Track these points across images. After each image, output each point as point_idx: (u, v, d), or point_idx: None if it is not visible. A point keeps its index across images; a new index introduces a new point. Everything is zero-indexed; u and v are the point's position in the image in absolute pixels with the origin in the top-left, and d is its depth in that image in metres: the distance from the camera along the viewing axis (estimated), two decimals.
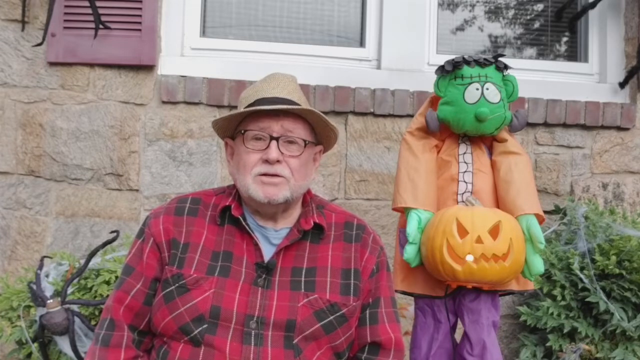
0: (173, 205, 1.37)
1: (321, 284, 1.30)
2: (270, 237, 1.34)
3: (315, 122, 1.36)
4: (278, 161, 1.28)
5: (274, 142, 1.28)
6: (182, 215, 1.34)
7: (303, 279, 1.30)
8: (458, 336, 1.87)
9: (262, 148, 1.29)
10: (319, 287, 1.29)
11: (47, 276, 1.93)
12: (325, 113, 2.51)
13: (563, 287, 2.17)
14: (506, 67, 1.83)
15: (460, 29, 2.87)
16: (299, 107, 1.31)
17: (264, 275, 1.28)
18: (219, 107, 2.47)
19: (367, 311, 1.36)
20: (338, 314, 1.29)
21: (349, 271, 1.34)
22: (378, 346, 1.35)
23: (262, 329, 1.23)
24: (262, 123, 1.30)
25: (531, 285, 1.84)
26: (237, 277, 1.27)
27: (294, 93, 1.37)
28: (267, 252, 1.31)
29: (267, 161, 1.28)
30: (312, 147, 1.37)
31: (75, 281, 1.91)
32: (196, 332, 1.22)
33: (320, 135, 1.41)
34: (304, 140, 1.32)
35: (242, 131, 1.32)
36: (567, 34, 2.91)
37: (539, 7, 2.94)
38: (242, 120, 1.35)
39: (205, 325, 1.22)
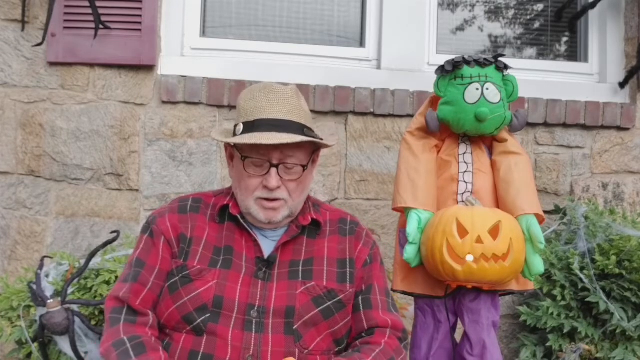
0: (176, 205, 1.43)
1: (318, 273, 1.35)
2: (268, 234, 1.40)
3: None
4: (277, 187, 1.32)
5: (273, 170, 1.32)
6: (186, 213, 1.40)
7: (300, 268, 1.35)
8: (458, 336, 1.87)
9: (262, 174, 1.33)
10: (316, 276, 1.35)
11: (47, 276, 1.92)
12: (325, 113, 2.52)
13: (563, 287, 2.17)
14: (506, 67, 1.83)
15: (460, 29, 2.87)
16: (296, 140, 1.28)
17: (264, 269, 1.33)
18: (219, 107, 2.47)
19: (360, 297, 1.40)
20: (335, 299, 1.34)
21: (344, 260, 1.39)
22: (374, 328, 1.38)
23: (263, 317, 1.27)
24: (261, 149, 1.31)
25: (531, 285, 1.84)
26: (238, 270, 1.32)
27: (294, 112, 1.34)
28: (266, 248, 1.36)
29: (266, 187, 1.32)
30: (311, 166, 1.40)
31: (75, 281, 1.91)
32: (199, 320, 1.27)
33: (320, 144, 1.43)
34: (303, 166, 1.35)
35: (242, 158, 1.33)
36: (567, 34, 2.91)
37: (539, 7, 2.94)
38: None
39: (208, 315, 1.27)
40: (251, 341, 1.25)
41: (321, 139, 1.38)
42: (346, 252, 1.41)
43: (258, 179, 1.33)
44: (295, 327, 1.28)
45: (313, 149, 1.41)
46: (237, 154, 1.36)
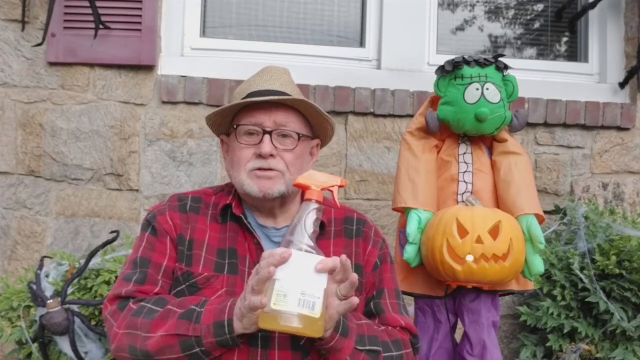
0: (175, 203, 1.35)
1: None
2: (271, 236, 1.33)
3: (309, 114, 1.35)
4: (272, 155, 1.27)
5: (266, 136, 1.27)
6: (186, 212, 1.32)
7: None
8: (458, 336, 1.87)
9: (255, 142, 1.28)
10: None
11: (47, 276, 1.92)
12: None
13: (563, 287, 2.17)
14: (506, 67, 1.83)
15: (460, 29, 2.87)
16: (290, 97, 1.28)
17: None
18: (219, 107, 2.46)
19: (372, 303, 1.33)
20: None
21: None
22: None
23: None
24: (254, 117, 1.29)
25: (531, 285, 1.84)
26: (243, 278, 1.25)
27: (287, 85, 1.35)
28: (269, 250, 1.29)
29: (260, 155, 1.27)
30: (307, 141, 1.36)
31: (75, 281, 1.91)
32: None
33: (316, 128, 1.40)
34: (298, 134, 1.31)
35: (235, 126, 1.31)
36: (567, 34, 2.91)
37: (539, 7, 2.94)
38: (235, 115, 1.35)
39: None
40: (257, 357, 1.18)
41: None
42: (352, 258, 1.32)
43: (251, 148, 1.28)
44: (302, 342, 1.20)
45: (310, 135, 1.37)
46: (231, 129, 1.33)
